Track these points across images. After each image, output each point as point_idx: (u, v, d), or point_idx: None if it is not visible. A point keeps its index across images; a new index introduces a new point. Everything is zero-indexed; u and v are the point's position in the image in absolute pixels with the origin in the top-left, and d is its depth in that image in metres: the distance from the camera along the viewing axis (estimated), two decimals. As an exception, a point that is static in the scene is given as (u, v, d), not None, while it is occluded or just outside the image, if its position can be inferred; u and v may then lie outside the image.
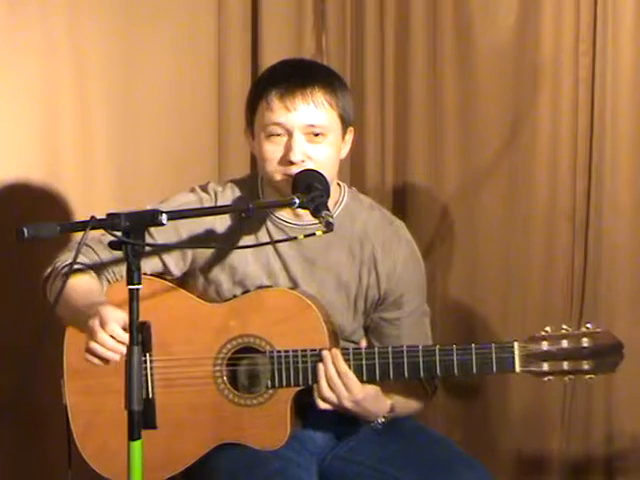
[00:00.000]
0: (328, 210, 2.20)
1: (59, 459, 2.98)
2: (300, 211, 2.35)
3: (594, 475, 3.18)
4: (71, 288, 2.24)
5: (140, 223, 1.96)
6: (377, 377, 2.29)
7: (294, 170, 2.29)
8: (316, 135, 2.31)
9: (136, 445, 1.93)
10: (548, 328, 2.21)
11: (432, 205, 3.30)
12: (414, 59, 3.33)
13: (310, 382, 2.31)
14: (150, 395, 2.36)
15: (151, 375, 2.37)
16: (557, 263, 3.20)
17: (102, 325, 2.10)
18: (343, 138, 2.39)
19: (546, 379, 2.20)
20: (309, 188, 2.24)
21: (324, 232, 2.18)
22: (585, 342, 2.18)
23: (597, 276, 3.14)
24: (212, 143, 3.29)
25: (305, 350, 2.31)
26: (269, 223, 2.40)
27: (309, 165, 2.30)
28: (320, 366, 2.30)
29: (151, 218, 1.97)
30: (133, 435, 1.93)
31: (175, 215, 2.15)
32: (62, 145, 3.00)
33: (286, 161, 2.30)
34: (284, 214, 2.39)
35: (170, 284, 2.41)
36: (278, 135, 2.31)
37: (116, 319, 2.09)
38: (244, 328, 2.34)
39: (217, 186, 2.44)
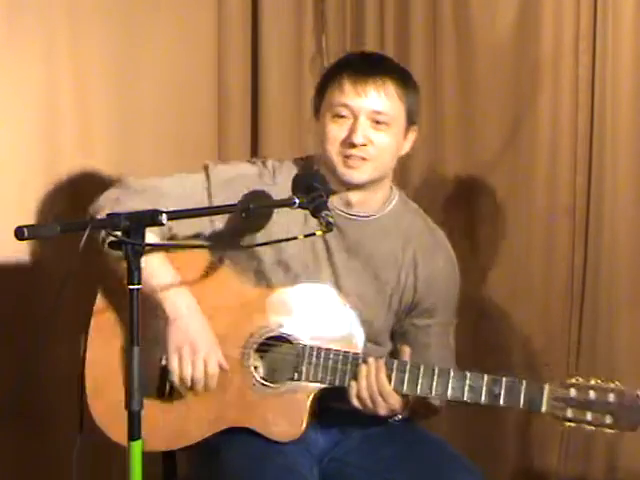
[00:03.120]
0: (328, 210, 2.21)
1: (63, 457, 2.99)
2: (352, 199, 2.40)
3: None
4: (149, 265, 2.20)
5: (140, 223, 1.96)
6: (404, 390, 2.31)
7: (354, 152, 2.34)
8: (380, 123, 2.35)
9: (136, 445, 1.93)
10: (579, 378, 2.25)
11: (432, 203, 3.30)
12: (414, 59, 3.34)
13: (337, 383, 2.32)
14: None
15: None
16: (557, 260, 3.20)
17: (207, 359, 2.30)
18: (405, 135, 2.43)
19: (567, 425, 2.24)
20: (309, 188, 2.25)
21: (324, 232, 2.19)
22: (612, 397, 2.21)
23: (597, 274, 3.13)
24: (212, 143, 3.29)
25: (339, 351, 2.32)
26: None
27: (369, 150, 2.35)
28: (363, 368, 2.30)
29: (151, 218, 1.97)
30: (133, 435, 1.93)
31: (175, 215, 2.15)
32: (62, 145, 2.99)
33: (348, 143, 2.35)
34: (337, 199, 2.41)
35: (219, 262, 2.41)
36: (343, 117, 2.36)
37: (210, 352, 2.28)
38: (281, 317, 2.36)
39: (275, 162, 2.47)
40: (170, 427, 2.35)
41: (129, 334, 1.94)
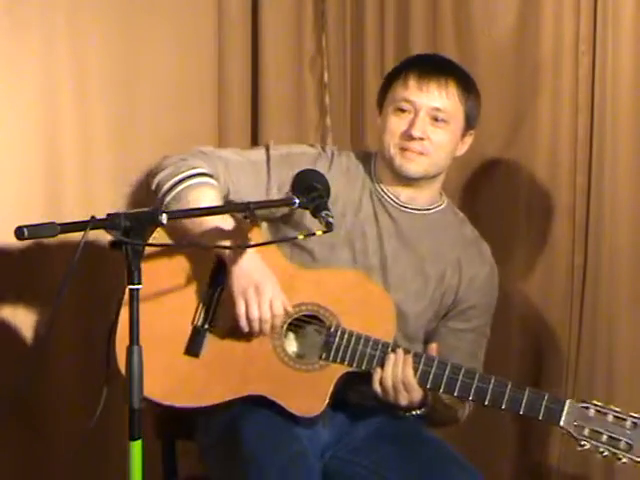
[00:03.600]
0: (328, 210, 2.22)
1: (63, 457, 3.00)
2: (401, 194, 2.49)
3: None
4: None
5: (140, 223, 1.96)
6: (428, 385, 2.35)
7: (412, 145, 2.42)
8: (439, 120, 2.44)
9: (136, 445, 1.93)
10: (599, 402, 2.30)
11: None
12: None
13: (364, 367, 2.35)
14: (206, 326, 2.39)
15: (215, 308, 2.39)
16: (557, 260, 3.19)
17: (273, 301, 2.31)
18: (462, 137, 2.52)
19: (582, 444, 2.28)
20: (309, 188, 2.25)
21: (324, 232, 2.19)
22: (629, 424, 2.27)
23: (597, 273, 3.13)
24: (212, 143, 3.28)
25: (370, 337, 2.35)
26: (374, 193, 2.50)
27: (426, 145, 2.43)
28: (391, 357, 2.33)
29: (151, 218, 1.97)
30: (133, 435, 1.93)
31: (175, 215, 2.16)
32: (62, 145, 2.99)
33: (406, 135, 2.43)
34: (389, 188, 2.50)
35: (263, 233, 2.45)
36: (404, 111, 2.44)
37: (276, 294, 2.31)
38: (318, 298, 2.39)
39: (336, 150, 2.55)
40: (196, 385, 2.36)
41: (129, 333, 1.94)
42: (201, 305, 2.40)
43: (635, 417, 2.27)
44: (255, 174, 2.45)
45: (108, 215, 1.97)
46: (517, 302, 3.24)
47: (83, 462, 3.02)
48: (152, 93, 3.15)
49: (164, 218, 1.97)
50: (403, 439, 2.45)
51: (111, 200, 2.98)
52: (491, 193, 3.28)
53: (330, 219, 2.19)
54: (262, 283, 2.32)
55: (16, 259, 2.88)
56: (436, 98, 2.44)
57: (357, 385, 2.41)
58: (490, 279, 2.57)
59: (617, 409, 2.29)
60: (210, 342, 2.38)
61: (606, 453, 2.27)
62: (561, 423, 2.28)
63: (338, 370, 2.37)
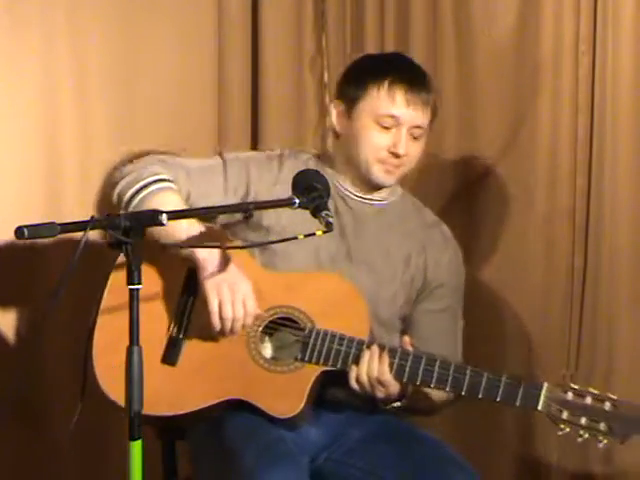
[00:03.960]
0: (328, 210, 2.22)
1: (63, 457, 3.00)
2: (364, 185, 2.52)
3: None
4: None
5: (140, 223, 1.96)
6: (405, 379, 2.35)
7: (393, 161, 2.46)
8: (417, 135, 2.48)
9: (136, 445, 1.93)
10: (577, 385, 2.29)
11: (432, 204, 3.28)
12: (414, 59, 3.32)
13: (339, 365, 2.36)
14: (181, 335, 2.40)
15: (189, 315, 2.41)
16: (557, 262, 3.19)
17: (246, 300, 2.34)
18: None
19: (561, 427, 2.27)
20: (309, 188, 2.25)
21: (324, 232, 2.19)
22: (607, 406, 2.25)
23: (597, 275, 3.13)
24: (212, 142, 3.29)
25: (344, 335, 2.36)
26: (332, 188, 2.46)
27: (404, 159, 2.46)
28: (366, 354, 2.34)
29: (151, 218, 1.97)
30: (133, 435, 1.93)
31: (176, 215, 2.16)
32: (62, 144, 2.99)
33: (390, 152, 2.44)
34: (348, 184, 2.54)
35: (235, 243, 2.45)
36: (387, 126, 2.44)
37: (248, 293, 2.33)
38: (291, 300, 2.40)
39: (286, 151, 2.58)
40: (175, 392, 2.38)
41: (129, 333, 1.94)
42: (175, 314, 2.42)
43: (613, 398, 2.25)
44: (213, 178, 2.49)
45: (108, 215, 1.97)
46: (517, 303, 3.24)
47: (83, 462, 3.02)
48: (152, 92, 3.15)
49: (164, 218, 1.97)
50: (399, 439, 2.46)
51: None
52: (491, 194, 3.27)
53: (330, 219, 2.19)
54: (236, 282, 2.35)
55: (16, 259, 2.88)
56: (420, 116, 2.47)
57: (344, 383, 2.40)
58: (455, 259, 2.61)
59: (595, 391, 2.27)
60: (186, 350, 2.40)
61: (586, 435, 2.26)
62: (539, 407, 2.28)
63: (314, 370, 2.37)
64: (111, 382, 2.35)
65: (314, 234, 2.21)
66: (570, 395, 2.27)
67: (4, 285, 2.94)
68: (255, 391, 2.37)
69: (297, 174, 2.32)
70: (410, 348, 2.38)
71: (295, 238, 2.26)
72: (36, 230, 1.88)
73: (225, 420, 2.39)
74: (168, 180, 2.43)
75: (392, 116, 2.44)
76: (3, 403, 2.91)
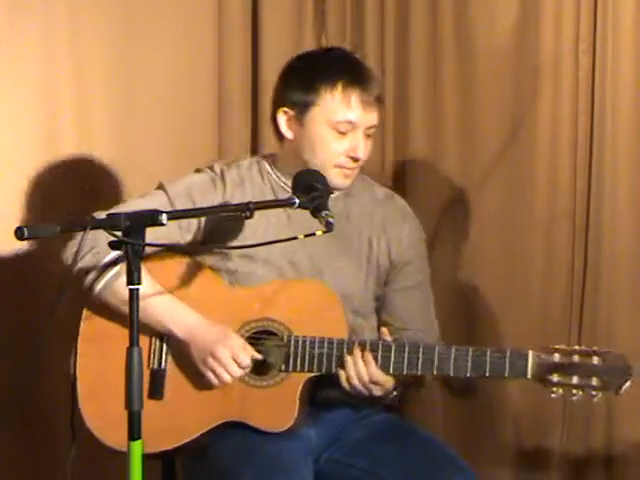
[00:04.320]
0: (328, 210, 2.21)
1: (62, 458, 2.99)
2: None
3: (594, 473, 3.18)
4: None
5: (140, 223, 1.96)
6: (391, 371, 2.33)
7: (351, 165, 2.41)
8: (370, 135, 2.43)
9: (136, 445, 1.93)
10: (562, 345, 2.27)
11: (432, 205, 3.30)
12: (414, 59, 3.33)
13: (324, 370, 2.35)
14: (162, 366, 2.40)
15: (167, 346, 2.40)
16: (557, 264, 3.19)
17: (235, 358, 2.31)
18: None
19: (554, 390, 2.25)
20: (309, 188, 2.25)
21: (324, 232, 2.19)
22: (596, 360, 2.24)
23: (597, 276, 3.13)
24: (213, 142, 3.29)
25: (323, 338, 2.35)
26: (277, 191, 2.47)
27: (361, 162, 2.42)
28: (348, 359, 2.32)
29: (151, 218, 1.97)
30: (133, 435, 1.93)
31: (175, 215, 2.16)
32: (62, 145, 2.99)
33: (349, 157, 2.39)
34: (283, 179, 2.47)
35: (196, 262, 2.43)
36: (343, 131, 2.39)
37: (234, 348, 2.31)
38: (266, 312, 2.38)
39: (223, 165, 2.51)
40: (164, 427, 2.36)
41: (129, 334, 1.94)
42: (151, 347, 2.41)
43: (600, 351, 2.24)
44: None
45: (108, 215, 1.97)
46: (517, 305, 3.23)
47: (83, 463, 3.01)
48: (152, 93, 3.15)
49: (164, 218, 1.97)
50: (400, 439, 2.45)
51: (111, 200, 2.97)
52: (490, 196, 3.27)
53: (330, 219, 2.18)
54: (215, 349, 2.32)
55: (16, 259, 2.88)
56: (375, 116, 2.43)
57: (335, 384, 2.39)
58: (415, 230, 2.56)
59: (581, 348, 2.25)
60: (170, 381, 2.39)
61: (580, 393, 2.24)
62: (528, 376, 2.26)
63: (299, 378, 2.36)
64: (104, 429, 2.37)
65: (314, 234, 2.20)
66: (557, 357, 2.25)
67: (4, 285, 2.94)
68: (247, 410, 2.36)
69: (297, 174, 2.31)
70: (389, 338, 2.36)
71: (295, 238, 2.26)
72: (36, 230, 1.88)
73: (219, 441, 2.36)
74: None
75: (349, 122, 2.38)
76: (3, 405, 2.91)
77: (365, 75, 2.43)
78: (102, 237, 2.15)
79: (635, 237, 3.09)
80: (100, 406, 2.38)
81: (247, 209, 2.18)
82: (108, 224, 1.96)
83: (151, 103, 3.15)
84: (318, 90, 2.39)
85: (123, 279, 2.22)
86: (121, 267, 2.31)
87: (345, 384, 2.35)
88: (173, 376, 2.39)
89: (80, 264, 2.33)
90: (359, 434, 2.48)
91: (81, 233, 2.26)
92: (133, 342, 1.93)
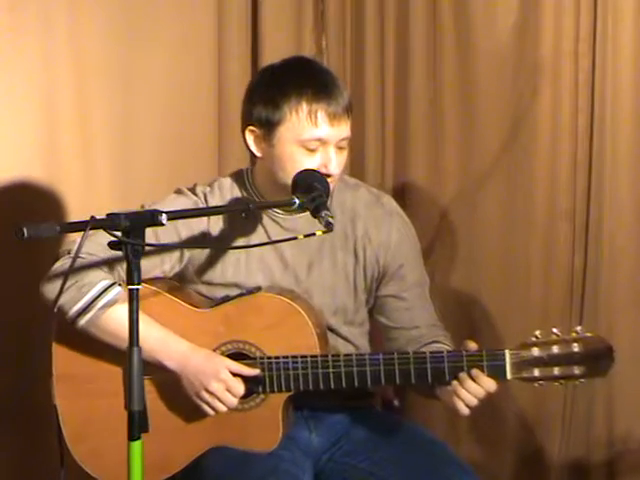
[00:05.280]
0: (328, 210, 2.20)
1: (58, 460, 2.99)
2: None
3: (594, 473, 3.18)
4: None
5: (140, 223, 1.96)
6: (369, 383, 2.28)
7: (329, 181, 2.29)
8: (342, 146, 2.34)
9: (136, 445, 1.93)
10: (538, 332, 2.19)
11: (432, 206, 3.31)
12: (414, 59, 3.34)
13: (301, 387, 2.30)
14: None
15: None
16: (557, 263, 3.19)
17: (229, 390, 2.28)
18: None
19: (537, 384, 2.19)
20: (309, 188, 2.24)
21: (324, 232, 2.18)
22: (576, 347, 2.16)
23: (597, 276, 3.13)
24: (212, 145, 3.29)
25: (296, 356, 2.29)
26: (265, 217, 2.41)
27: (335, 176, 2.33)
28: (458, 386, 2.22)
29: (151, 218, 1.97)
30: (133, 435, 1.93)
31: (175, 215, 2.15)
32: (62, 145, 2.99)
33: (322, 173, 2.29)
34: (271, 199, 2.39)
35: (157, 289, 2.38)
36: (313, 149, 2.30)
37: (226, 379, 2.27)
38: (234, 334, 2.33)
39: (205, 187, 2.45)
40: (159, 457, 2.32)
41: (129, 334, 1.94)
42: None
43: (579, 337, 2.15)
44: (149, 254, 2.32)
45: (108, 215, 1.97)
46: (517, 306, 3.24)
47: (81, 467, 3.01)
48: (152, 93, 3.15)
49: (164, 218, 1.97)
50: (400, 440, 2.44)
51: (111, 200, 2.98)
52: (490, 195, 3.27)
53: (330, 219, 2.17)
54: (206, 382, 2.28)
55: (16, 259, 2.88)
56: (345, 129, 2.32)
57: (339, 389, 2.34)
58: (403, 230, 2.47)
59: (559, 336, 2.17)
60: (154, 412, 2.31)
61: (562, 382, 2.17)
62: (508, 377, 2.18)
63: (279, 399, 2.32)
64: (97, 466, 2.37)
65: (314, 234, 2.20)
66: (536, 351, 2.16)
67: (4, 285, 2.94)
68: (233, 434, 2.33)
69: (297, 174, 2.31)
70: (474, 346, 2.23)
71: (295, 238, 2.25)
72: (36, 230, 1.88)
73: (215, 451, 2.35)
74: (111, 285, 2.29)
75: (318, 139, 2.29)
76: (3, 405, 2.91)
77: (330, 86, 2.31)
78: (89, 271, 2.21)
79: (635, 237, 3.09)
80: (90, 447, 2.37)
81: (247, 209, 2.17)
82: (108, 224, 1.95)
83: (151, 103, 3.15)
84: (282, 109, 2.29)
85: (109, 312, 2.27)
86: (106, 300, 2.27)
87: (465, 410, 2.23)
88: (156, 408, 2.34)
89: (62, 300, 2.25)
90: (359, 435, 2.47)
91: (60, 266, 2.30)
92: (133, 342, 1.93)
